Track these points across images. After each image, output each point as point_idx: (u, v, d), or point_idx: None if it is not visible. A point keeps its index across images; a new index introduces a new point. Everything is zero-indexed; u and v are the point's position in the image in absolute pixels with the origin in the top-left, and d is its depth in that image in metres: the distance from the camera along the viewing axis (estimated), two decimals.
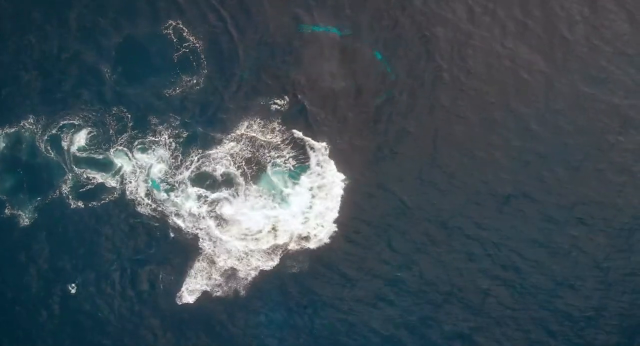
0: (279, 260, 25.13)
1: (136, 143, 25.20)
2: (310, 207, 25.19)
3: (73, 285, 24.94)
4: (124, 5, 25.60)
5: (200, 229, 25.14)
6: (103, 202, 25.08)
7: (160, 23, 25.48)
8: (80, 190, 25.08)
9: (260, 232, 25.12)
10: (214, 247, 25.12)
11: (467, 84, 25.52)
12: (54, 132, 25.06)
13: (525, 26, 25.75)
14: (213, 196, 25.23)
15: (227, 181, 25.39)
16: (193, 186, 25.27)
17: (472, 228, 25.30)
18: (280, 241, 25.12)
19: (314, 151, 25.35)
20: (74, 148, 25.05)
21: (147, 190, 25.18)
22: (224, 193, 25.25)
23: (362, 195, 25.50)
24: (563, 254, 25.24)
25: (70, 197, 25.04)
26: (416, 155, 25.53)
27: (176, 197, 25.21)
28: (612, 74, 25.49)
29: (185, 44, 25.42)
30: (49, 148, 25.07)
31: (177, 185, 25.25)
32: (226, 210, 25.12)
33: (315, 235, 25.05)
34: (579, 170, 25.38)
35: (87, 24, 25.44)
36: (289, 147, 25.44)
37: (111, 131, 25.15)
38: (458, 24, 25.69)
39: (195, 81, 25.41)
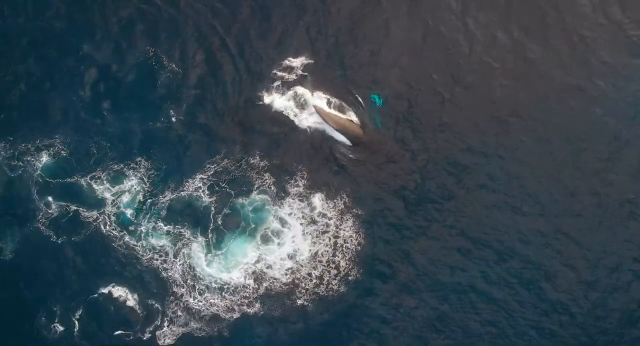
0: (260, 303, 23.66)
1: (114, 172, 23.99)
2: (298, 243, 23.70)
3: (55, 322, 23.85)
4: (107, 33, 24.72)
5: (173, 272, 23.76)
6: (80, 235, 23.89)
7: (139, 50, 24.47)
8: (61, 221, 23.94)
9: (242, 280, 23.71)
10: (187, 291, 23.69)
11: None
12: (31, 158, 24.06)
13: None
14: (187, 236, 23.83)
15: (204, 218, 24.02)
16: (168, 223, 23.91)
17: None
18: (263, 286, 23.69)
19: (294, 180, 24.02)
20: (51, 177, 23.96)
21: (122, 224, 23.89)
22: (199, 238, 23.80)
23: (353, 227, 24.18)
24: None
25: (49, 228, 23.92)
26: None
27: (150, 234, 23.83)
28: None
29: (168, 72, 24.36)
30: (26, 175, 24.03)
31: (151, 221, 23.90)
32: (199, 258, 23.71)
33: (303, 275, 23.64)
34: None
35: (68, 49, 24.60)
36: (268, 173, 24.10)
37: (91, 160, 24.07)
38: None
39: (177, 110, 24.32)
